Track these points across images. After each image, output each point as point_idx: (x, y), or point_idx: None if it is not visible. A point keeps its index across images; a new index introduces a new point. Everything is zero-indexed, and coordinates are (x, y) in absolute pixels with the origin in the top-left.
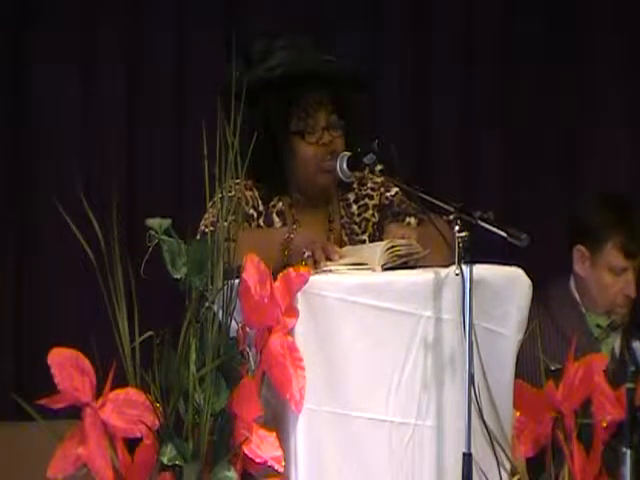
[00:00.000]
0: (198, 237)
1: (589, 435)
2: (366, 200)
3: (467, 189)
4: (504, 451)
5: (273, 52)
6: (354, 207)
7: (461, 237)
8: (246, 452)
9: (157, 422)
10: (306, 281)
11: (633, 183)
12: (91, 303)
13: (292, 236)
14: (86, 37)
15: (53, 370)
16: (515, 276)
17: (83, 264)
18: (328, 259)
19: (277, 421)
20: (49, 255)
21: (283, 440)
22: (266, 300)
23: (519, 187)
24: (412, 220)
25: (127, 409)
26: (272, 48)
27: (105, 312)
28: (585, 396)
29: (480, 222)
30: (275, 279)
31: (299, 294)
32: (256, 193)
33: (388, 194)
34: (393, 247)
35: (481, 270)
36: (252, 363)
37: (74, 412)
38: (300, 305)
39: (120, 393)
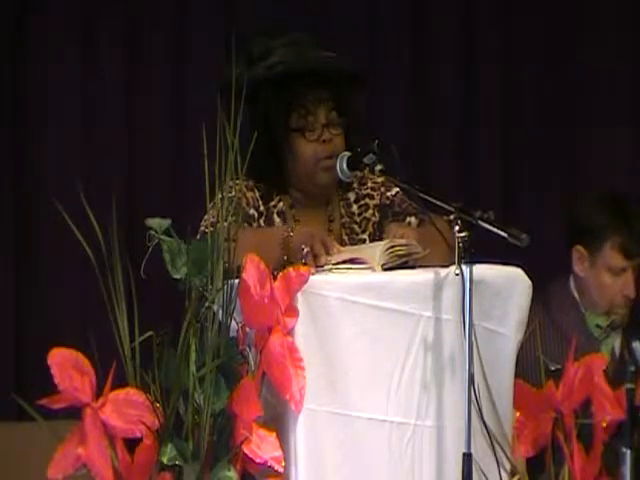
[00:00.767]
0: (198, 237)
1: (589, 435)
2: (366, 200)
3: (467, 189)
4: (504, 451)
5: (273, 50)
6: (354, 207)
7: (461, 237)
8: (246, 452)
9: (157, 422)
10: (306, 281)
11: (633, 183)
12: (91, 303)
13: (291, 234)
14: (86, 37)
15: (53, 370)
16: (515, 276)
17: (83, 264)
18: (327, 253)
19: (277, 421)
20: (49, 255)
21: (283, 440)
22: (266, 300)
23: (519, 187)
24: (412, 220)
25: (127, 409)
26: (272, 47)
27: (105, 312)
28: (585, 396)
29: (480, 222)
30: (275, 278)
31: (299, 294)
32: (257, 193)
33: (389, 194)
34: (393, 247)
35: (481, 270)
36: (252, 363)
37: (74, 412)
38: (300, 305)
39: (120, 393)
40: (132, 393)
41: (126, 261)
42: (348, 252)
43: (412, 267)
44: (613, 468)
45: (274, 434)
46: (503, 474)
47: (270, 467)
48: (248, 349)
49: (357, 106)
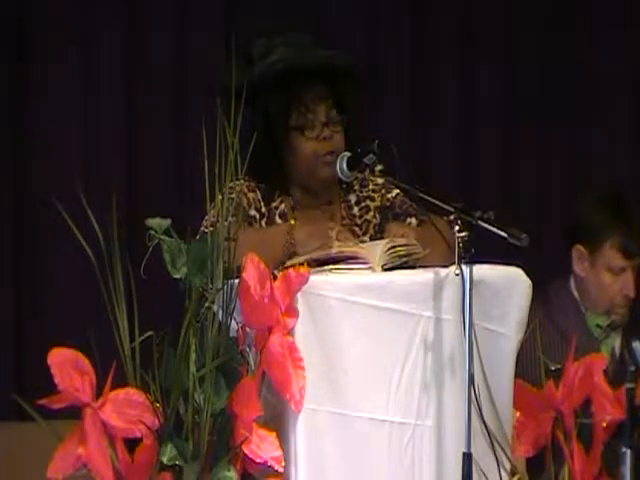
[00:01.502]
0: (198, 237)
1: (589, 435)
2: (367, 202)
3: (467, 189)
4: (504, 451)
5: (273, 50)
6: (355, 209)
7: (461, 237)
8: (246, 452)
9: (157, 422)
10: (306, 281)
11: (633, 183)
12: (91, 303)
13: (293, 232)
14: (86, 37)
15: (53, 370)
16: (515, 276)
17: (83, 264)
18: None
19: (277, 421)
20: (49, 255)
21: (283, 440)
22: (266, 300)
23: (519, 187)
24: (413, 220)
25: (127, 409)
26: (272, 46)
27: (105, 312)
28: (585, 396)
29: (480, 222)
30: (276, 278)
31: (299, 294)
32: (258, 194)
33: (389, 195)
34: (393, 247)
35: (481, 270)
36: (252, 363)
37: (74, 412)
38: (300, 305)
39: (120, 393)
40: (132, 393)
41: (126, 261)
42: (351, 240)
43: (412, 267)
44: (613, 468)
45: (274, 434)
46: (503, 474)
47: (270, 467)
48: (248, 349)
49: (358, 104)
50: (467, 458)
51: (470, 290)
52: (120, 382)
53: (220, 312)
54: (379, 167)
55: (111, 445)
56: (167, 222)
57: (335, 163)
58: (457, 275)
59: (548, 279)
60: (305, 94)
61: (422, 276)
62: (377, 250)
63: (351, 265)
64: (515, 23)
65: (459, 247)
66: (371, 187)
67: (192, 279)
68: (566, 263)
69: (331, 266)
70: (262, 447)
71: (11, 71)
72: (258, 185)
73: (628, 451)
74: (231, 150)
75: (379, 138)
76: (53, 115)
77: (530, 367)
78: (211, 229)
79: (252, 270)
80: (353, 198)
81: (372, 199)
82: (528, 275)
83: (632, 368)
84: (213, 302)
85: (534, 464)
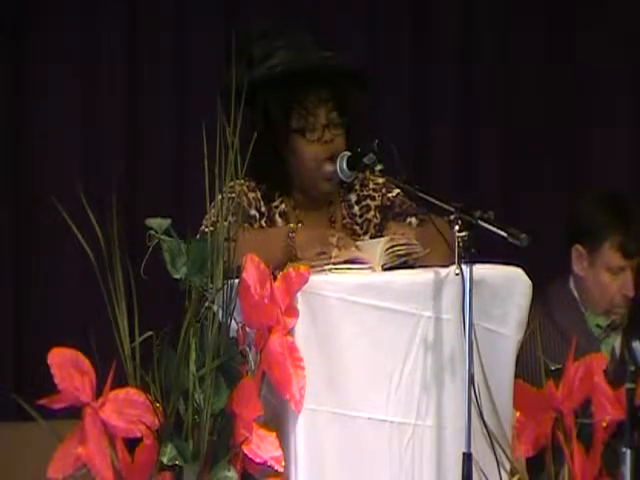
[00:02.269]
0: (198, 237)
1: (589, 435)
2: (368, 201)
3: (467, 189)
4: (504, 451)
5: (273, 52)
6: (356, 208)
7: (461, 237)
8: (246, 452)
9: (157, 422)
10: (306, 281)
11: (633, 183)
12: (91, 303)
13: (294, 234)
14: (86, 37)
15: (53, 370)
16: (515, 276)
17: (83, 264)
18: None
19: (277, 421)
20: (49, 255)
21: (283, 440)
22: (266, 300)
23: (519, 187)
24: (413, 220)
25: (127, 409)
26: (273, 48)
27: (105, 312)
28: (585, 396)
29: (480, 222)
30: (276, 278)
31: (299, 294)
32: (258, 194)
33: (390, 195)
34: (393, 247)
35: (481, 270)
36: (252, 363)
37: (74, 412)
38: (300, 305)
39: (120, 393)
40: (132, 393)
41: (126, 261)
42: (352, 246)
43: (412, 267)
44: (613, 468)
45: (274, 434)
46: (503, 474)
47: (270, 467)
48: (248, 349)
49: (360, 107)
50: (467, 458)
51: (470, 290)
52: (120, 382)
53: (220, 312)
54: (379, 167)
55: (111, 445)
56: (167, 222)
57: (334, 176)
58: (457, 275)
59: (548, 279)
60: (306, 96)
61: (422, 276)
62: (377, 250)
63: (351, 265)
64: (515, 23)
65: (459, 247)
66: (372, 186)
67: (192, 279)
68: (566, 263)
69: (331, 266)
70: (262, 447)
71: (11, 71)
72: (258, 185)
73: (628, 451)
74: (231, 150)
75: (379, 138)
76: (53, 115)
77: (530, 367)
78: (211, 229)
79: (252, 270)
80: (353, 197)
81: (373, 198)
82: (528, 275)
83: (632, 368)
84: (213, 302)
85: (534, 464)
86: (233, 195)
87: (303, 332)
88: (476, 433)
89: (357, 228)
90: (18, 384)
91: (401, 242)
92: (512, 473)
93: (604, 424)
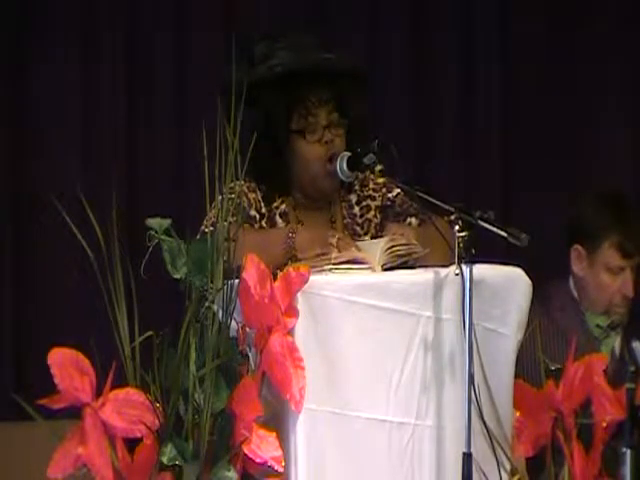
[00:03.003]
0: (198, 237)
1: (589, 435)
2: (368, 201)
3: (467, 189)
4: (504, 451)
5: (274, 53)
6: (356, 208)
7: (461, 237)
8: (246, 452)
9: (157, 422)
10: (306, 281)
11: (633, 183)
12: (91, 303)
13: (294, 235)
14: (86, 37)
15: (53, 370)
16: (515, 276)
17: (83, 264)
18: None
19: (277, 421)
20: (49, 255)
21: (283, 440)
22: (266, 300)
23: (519, 187)
24: (413, 220)
25: (127, 409)
26: (273, 49)
27: (105, 312)
28: (585, 396)
29: (480, 222)
30: (276, 278)
31: (299, 294)
32: (259, 195)
33: (390, 195)
34: (393, 247)
35: (481, 270)
36: (252, 363)
37: (74, 412)
38: (300, 305)
39: (120, 393)
40: (132, 393)
41: (126, 261)
42: (352, 246)
43: (412, 267)
44: (613, 468)
45: (274, 434)
46: (503, 474)
47: (270, 467)
48: (248, 349)
49: (361, 108)
50: (467, 458)
51: (470, 290)
52: (120, 382)
53: (220, 312)
54: (379, 167)
55: (111, 445)
56: (167, 222)
57: (335, 173)
58: (457, 275)
59: (548, 279)
60: (306, 97)
61: (422, 276)
62: (377, 250)
63: (351, 265)
64: (515, 23)
65: (459, 247)
66: (372, 186)
67: (192, 279)
68: (566, 263)
69: (331, 266)
70: (262, 447)
71: (11, 70)
72: (259, 186)
73: (628, 451)
74: (231, 150)
75: (379, 138)
76: (53, 115)
77: (530, 367)
78: (211, 229)
79: (252, 270)
80: (354, 197)
81: (373, 198)
82: (528, 275)
83: (632, 368)
84: (213, 302)
85: (534, 464)
86: (233, 195)
87: (303, 332)
88: (476, 433)
89: (357, 228)
90: (18, 384)
91: (401, 242)
92: (512, 473)
93: (604, 424)
